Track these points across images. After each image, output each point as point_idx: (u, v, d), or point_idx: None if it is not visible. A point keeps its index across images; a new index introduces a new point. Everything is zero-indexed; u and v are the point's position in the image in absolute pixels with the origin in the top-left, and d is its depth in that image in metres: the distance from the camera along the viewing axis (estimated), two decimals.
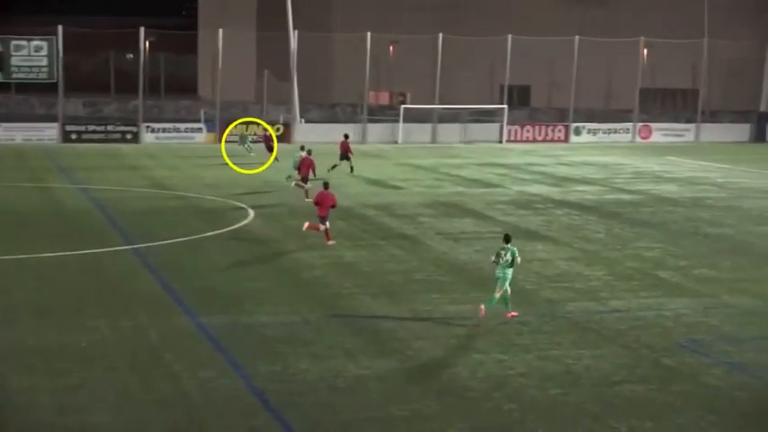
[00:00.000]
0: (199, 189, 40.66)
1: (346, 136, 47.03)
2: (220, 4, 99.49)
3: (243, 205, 36.15)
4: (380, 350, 18.70)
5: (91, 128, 62.95)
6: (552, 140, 67.96)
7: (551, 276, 25.26)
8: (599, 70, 77.52)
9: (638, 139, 69.59)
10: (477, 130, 68.12)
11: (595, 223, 33.74)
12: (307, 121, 70.02)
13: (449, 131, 67.44)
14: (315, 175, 37.33)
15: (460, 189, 42.26)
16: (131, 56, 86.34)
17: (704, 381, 17.37)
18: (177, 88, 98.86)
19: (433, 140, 66.63)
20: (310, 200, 32.69)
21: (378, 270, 25.74)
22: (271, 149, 49.37)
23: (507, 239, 21.32)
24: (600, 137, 69.20)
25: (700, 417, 15.61)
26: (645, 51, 73.06)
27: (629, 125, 70.69)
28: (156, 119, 72.27)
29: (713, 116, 74.96)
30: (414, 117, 68.21)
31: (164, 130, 62.92)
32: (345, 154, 45.75)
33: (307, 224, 29.09)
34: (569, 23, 75.19)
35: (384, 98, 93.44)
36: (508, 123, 68.22)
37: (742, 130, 73.35)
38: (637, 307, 22.38)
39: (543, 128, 69.47)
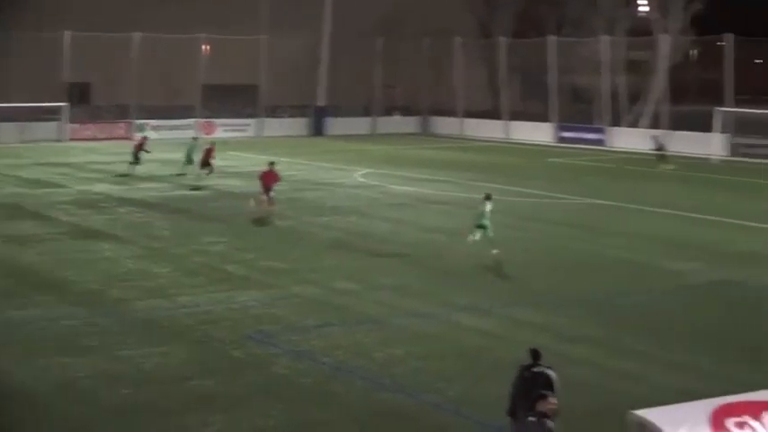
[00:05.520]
0: None
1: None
2: None
3: None
4: None
5: None
6: (115, 138, 67.02)
7: (118, 275, 24.92)
8: (161, 66, 77.19)
9: (201, 134, 70.04)
10: (37, 128, 65.88)
11: (161, 220, 33.67)
12: None
13: (6, 131, 64.69)
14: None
15: (20, 190, 40.72)
16: None
17: (273, 370, 17.77)
18: None
19: None
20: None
21: None
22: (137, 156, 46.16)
23: None
24: (163, 133, 68.96)
25: (269, 406, 15.95)
26: (206, 47, 73.62)
27: (192, 121, 71.08)
28: None
29: (274, 111, 76.87)
30: None
31: None
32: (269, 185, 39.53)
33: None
34: (130, 19, 74.28)
35: None
36: (69, 121, 66.57)
37: (301, 125, 75.87)
38: (205, 302, 22.53)
39: (105, 125, 68.43)
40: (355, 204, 38.25)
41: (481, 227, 27.40)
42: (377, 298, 23.36)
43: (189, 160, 45.01)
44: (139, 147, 46.66)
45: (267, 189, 34.23)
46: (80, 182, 43.56)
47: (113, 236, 30.52)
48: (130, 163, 46.09)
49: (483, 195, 28.14)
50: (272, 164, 35.17)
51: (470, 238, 27.37)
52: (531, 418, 11.97)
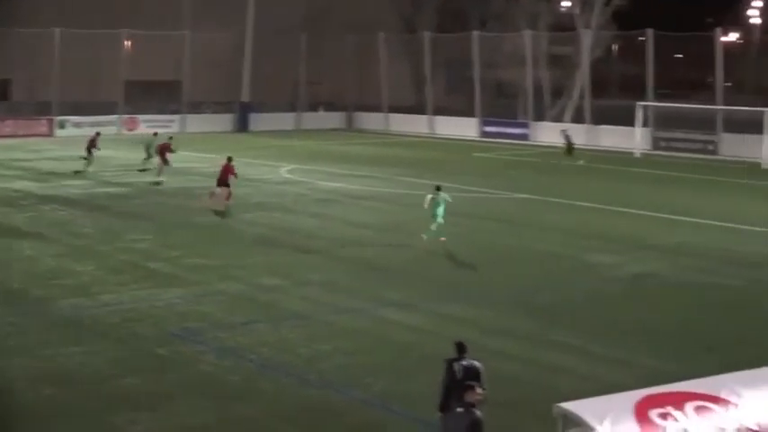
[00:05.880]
0: None
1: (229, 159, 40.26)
2: None
3: None
4: None
5: None
6: (36, 135, 66.07)
7: (40, 274, 24.57)
8: (83, 62, 76.32)
9: (124, 131, 69.35)
10: None
11: (83, 217, 33.23)
12: None
13: None
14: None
15: None
16: None
17: (199, 368, 17.62)
18: None
19: None
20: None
21: None
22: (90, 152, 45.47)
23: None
24: (86, 130, 67.64)
25: (196, 403, 15.83)
26: (128, 43, 72.84)
27: (115, 117, 70.33)
28: None
29: (198, 107, 76.29)
30: None
31: None
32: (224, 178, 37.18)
33: None
34: (51, 14, 73.21)
35: None
36: None
37: (225, 121, 75.39)
38: (129, 300, 22.28)
39: (25, 122, 67.44)
40: (281, 200, 38.10)
41: (434, 216, 28.43)
42: (304, 294, 23.29)
43: (149, 155, 45.48)
44: (92, 143, 46.18)
45: (222, 182, 35.36)
46: None
47: (35, 233, 30.07)
48: (83, 158, 45.69)
49: (435, 187, 29.50)
50: (229, 159, 36.16)
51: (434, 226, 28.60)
52: (458, 409, 12.05)
